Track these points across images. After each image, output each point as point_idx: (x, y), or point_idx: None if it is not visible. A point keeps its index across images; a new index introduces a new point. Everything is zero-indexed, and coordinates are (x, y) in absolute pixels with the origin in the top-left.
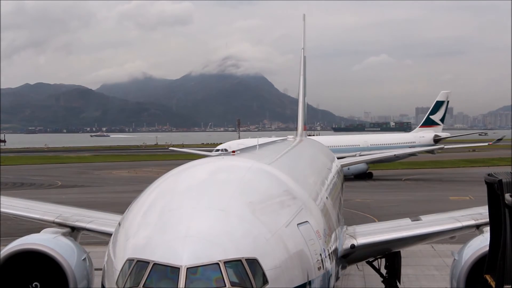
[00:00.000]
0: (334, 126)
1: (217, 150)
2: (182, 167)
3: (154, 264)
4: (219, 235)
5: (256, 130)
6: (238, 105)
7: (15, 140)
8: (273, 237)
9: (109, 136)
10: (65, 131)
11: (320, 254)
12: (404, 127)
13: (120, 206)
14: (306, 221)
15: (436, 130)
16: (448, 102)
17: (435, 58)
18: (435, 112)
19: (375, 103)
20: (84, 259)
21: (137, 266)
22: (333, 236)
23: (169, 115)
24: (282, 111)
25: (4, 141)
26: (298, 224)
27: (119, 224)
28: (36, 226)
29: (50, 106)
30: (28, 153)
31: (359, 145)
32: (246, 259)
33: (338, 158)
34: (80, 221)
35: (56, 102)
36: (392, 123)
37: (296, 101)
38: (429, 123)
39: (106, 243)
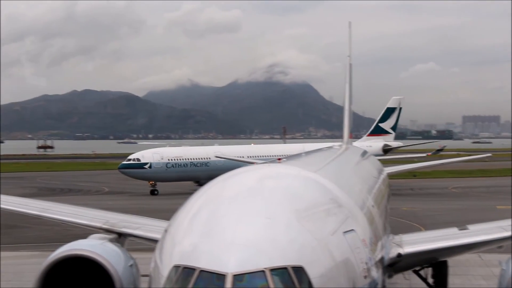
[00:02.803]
0: None
1: (129, 160)
2: (228, 174)
3: (201, 271)
4: (265, 243)
5: (302, 137)
6: (284, 113)
7: (63, 146)
8: (319, 245)
9: (136, 143)
10: (111, 137)
11: (366, 263)
12: (446, 135)
13: (166, 213)
14: (352, 229)
15: (386, 139)
16: (400, 108)
17: (482, 66)
18: (386, 120)
19: (421, 111)
20: (131, 265)
21: (184, 273)
22: (379, 244)
23: (215, 122)
24: (327, 118)
25: (52, 147)
26: (344, 232)
27: (166, 230)
28: (83, 232)
29: (97, 113)
30: (75, 159)
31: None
32: (292, 267)
33: None
34: (127, 227)
35: (103, 109)
36: (433, 131)
37: (341, 109)
38: (378, 131)
39: (152, 250)
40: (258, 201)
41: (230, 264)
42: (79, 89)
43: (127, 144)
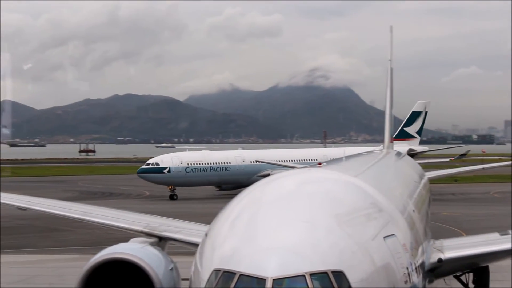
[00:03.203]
0: None
1: (148, 164)
2: (268, 178)
3: (241, 275)
4: (305, 247)
5: (342, 142)
6: (324, 117)
7: (105, 150)
8: (359, 249)
9: (174, 147)
10: (152, 141)
11: (407, 268)
12: (487, 140)
13: (206, 217)
14: (393, 234)
15: (411, 144)
16: (426, 112)
17: None
18: (411, 124)
19: (463, 115)
20: (172, 269)
21: (224, 276)
22: (420, 249)
23: (255, 126)
24: (368, 123)
25: (94, 151)
26: (384, 237)
27: (206, 234)
28: (124, 235)
29: (139, 117)
30: (117, 163)
31: (316, 160)
32: (332, 272)
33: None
34: (168, 231)
35: (144, 113)
36: (474, 136)
37: (382, 113)
38: (403, 135)
39: (193, 253)
40: (298, 205)
41: (270, 268)
42: (121, 93)
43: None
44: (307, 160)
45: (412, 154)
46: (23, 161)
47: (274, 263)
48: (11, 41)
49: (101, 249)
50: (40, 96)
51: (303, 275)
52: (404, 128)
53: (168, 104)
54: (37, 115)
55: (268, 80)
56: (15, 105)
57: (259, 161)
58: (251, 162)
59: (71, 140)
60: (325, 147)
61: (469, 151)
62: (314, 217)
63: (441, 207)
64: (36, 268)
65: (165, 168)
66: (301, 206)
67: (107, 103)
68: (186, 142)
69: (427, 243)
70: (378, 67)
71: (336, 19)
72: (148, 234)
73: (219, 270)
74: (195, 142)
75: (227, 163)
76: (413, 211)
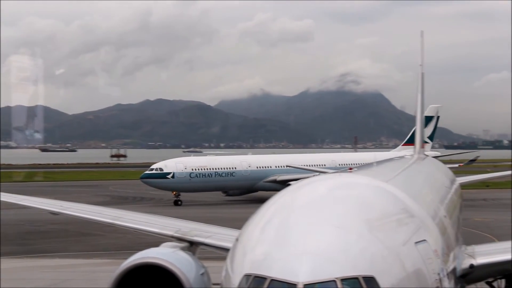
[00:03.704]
0: (445, 144)
1: (151, 170)
2: (299, 183)
3: (272, 280)
4: (336, 252)
5: (373, 147)
6: (355, 122)
7: (136, 155)
8: (390, 255)
9: (201, 152)
10: (183, 146)
11: (438, 274)
12: None
13: (237, 222)
14: (424, 240)
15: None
16: (438, 117)
17: None
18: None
19: (494, 120)
20: (202, 273)
21: (255, 281)
22: (451, 255)
23: (286, 131)
24: (399, 128)
25: (125, 156)
26: (416, 243)
27: (237, 239)
28: (155, 240)
29: (170, 122)
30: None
31: (324, 165)
32: (363, 277)
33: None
34: (199, 235)
35: (175, 118)
36: (505, 141)
37: (413, 118)
38: (414, 140)
39: (223, 258)
40: (329, 210)
41: (301, 273)
42: (152, 98)
43: (192, 153)
44: (312, 165)
45: None
46: (55, 165)
47: (305, 268)
48: (44, 46)
49: (133, 253)
50: (72, 101)
51: (334, 280)
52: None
53: (199, 109)
54: (69, 120)
55: (299, 85)
56: (47, 110)
57: (289, 166)
58: (257, 167)
59: (103, 145)
60: (355, 152)
61: (478, 156)
62: (345, 222)
63: (473, 212)
64: (68, 272)
65: (169, 173)
66: (332, 211)
67: (138, 108)
68: (217, 147)
69: (458, 249)
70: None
71: (367, 24)
72: (179, 239)
73: (250, 275)
74: (226, 147)
75: (232, 168)
76: (445, 216)
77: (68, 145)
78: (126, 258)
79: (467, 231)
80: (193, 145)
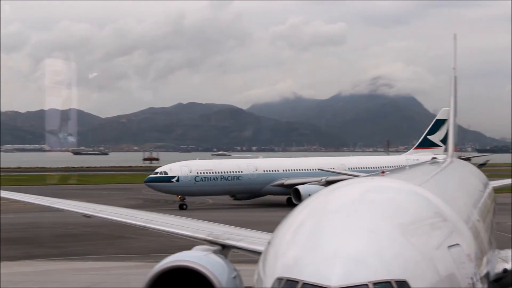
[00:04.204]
0: (477, 148)
1: (156, 173)
2: (332, 187)
3: (304, 283)
4: (368, 256)
5: (405, 150)
6: (387, 126)
7: (168, 158)
8: (423, 259)
9: (230, 155)
10: (215, 150)
11: (471, 278)
12: None
13: (268, 226)
14: (457, 244)
15: (435, 152)
16: None
17: None
18: (435, 132)
19: None
20: (235, 277)
21: (286, 285)
22: (484, 259)
23: (318, 134)
24: None
25: (158, 159)
26: (449, 247)
27: (269, 242)
28: (187, 243)
29: (202, 125)
30: None
31: (333, 168)
32: (395, 281)
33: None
34: (231, 239)
35: (207, 121)
36: None
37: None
38: (426, 144)
39: (255, 262)
40: (361, 214)
41: (333, 277)
42: (184, 101)
43: (221, 156)
44: (312, 170)
45: None
46: (88, 168)
47: (337, 272)
48: (78, 50)
49: (165, 256)
50: (105, 105)
51: (366, 284)
52: (428, 136)
53: (231, 113)
54: (102, 123)
55: (331, 88)
56: (80, 114)
57: (321, 169)
58: (264, 171)
59: (135, 148)
60: (388, 155)
61: (488, 160)
62: (378, 226)
63: (506, 216)
64: (101, 275)
65: (173, 177)
66: (364, 215)
67: (171, 112)
68: (249, 150)
69: (492, 253)
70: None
71: (400, 27)
72: (211, 242)
73: (282, 279)
74: (258, 150)
75: (238, 172)
76: (478, 220)
77: (101, 148)
78: (158, 261)
79: (501, 235)
80: (224, 149)
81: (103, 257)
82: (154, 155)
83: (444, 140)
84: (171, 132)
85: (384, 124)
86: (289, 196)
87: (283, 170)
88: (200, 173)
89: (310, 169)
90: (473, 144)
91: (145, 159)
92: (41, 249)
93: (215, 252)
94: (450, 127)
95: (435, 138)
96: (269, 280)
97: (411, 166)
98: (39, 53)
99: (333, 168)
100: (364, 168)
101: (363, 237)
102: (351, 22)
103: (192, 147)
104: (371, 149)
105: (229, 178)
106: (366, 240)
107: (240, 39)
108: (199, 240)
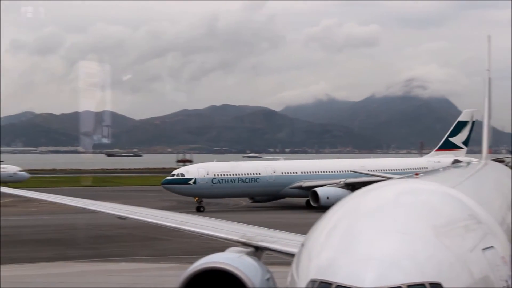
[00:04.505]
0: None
1: (173, 175)
2: (365, 189)
3: (337, 285)
4: (402, 258)
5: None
6: (421, 127)
7: (202, 160)
8: (457, 261)
9: (261, 157)
10: (248, 151)
11: (506, 281)
12: None
13: (301, 227)
14: (492, 246)
15: (457, 155)
16: (473, 122)
17: None
18: (456, 134)
19: None
20: (268, 279)
21: (320, 286)
22: None
23: (351, 136)
24: None
25: (191, 161)
26: (483, 249)
27: (302, 244)
28: (221, 245)
29: (235, 127)
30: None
31: (348, 171)
32: (430, 283)
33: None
34: (264, 241)
35: (240, 123)
36: None
37: (480, 124)
38: (448, 146)
39: (288, 264)
40: (395, 216)
41: (367, 279)
42: (218, 103)
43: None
44: (330, 172)
45: None
46: (122, 170)
47: (371, 274)
48: (111, 52)
49: (199, 258)
50: (138, 107)
51: (400, 286)
52: (449, 138)
53: (265, 115)
54: (135, 125)
55: (364, 90)
56: (114, 116)
57: (353, 171)
58: (282, 173)
59: (169, 150)
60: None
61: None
62: (412, 228)
63: None
64: (135, 276)
65: (190, 179)
66: (398, 217)
67: (204, 114)
68: (282, 152)
69: None
70: (476, 77)
71: (434, 29)
72: (245, 244)
73: (316, 281)
74: (291, 152)
75: (256, 174)
76: None
77: (135, 150)
78: (192, 263)
79: None
80: (257, 151)
81: (137, 258)
82: (188, 157)
83: (466, 142)
84: (205, 134)
85: (418, 126)
86: (308, 199)
87: (302, 172)
88: (218, 175)
89: (329, 171)
90: (508, 146)
91: (178, 161)
92: (75, 250)
93: (248, 254)
94: (484, 128)
95: (457, 140)
96: (303, 282)
97: (445, 168)
98: (74, 55)
99: (349, 171)
100: (384, 170)
101: (396, 239)
102: (384, 24)
103: (225, 149)
104: (404, 151)
105: (247, 180)
106: (400, 242)
107: (273, 41)
108: (232, 242)
